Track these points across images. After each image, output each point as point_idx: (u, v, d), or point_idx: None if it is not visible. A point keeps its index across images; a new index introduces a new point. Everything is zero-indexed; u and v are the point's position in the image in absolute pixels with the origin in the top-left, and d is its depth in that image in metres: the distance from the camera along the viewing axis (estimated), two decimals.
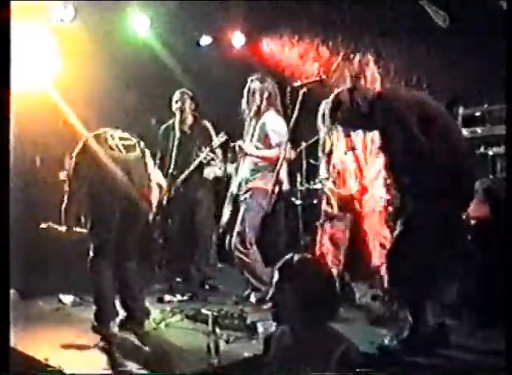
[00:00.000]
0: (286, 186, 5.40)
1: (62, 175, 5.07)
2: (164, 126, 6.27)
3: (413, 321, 3.77)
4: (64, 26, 5.87)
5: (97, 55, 5.99)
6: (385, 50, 5.92)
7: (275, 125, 5.26)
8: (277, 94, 5.36)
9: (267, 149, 5.27)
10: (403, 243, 3.76)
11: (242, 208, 5.31)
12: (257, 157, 5.31)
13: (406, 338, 3.76)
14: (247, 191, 5.34)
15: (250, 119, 5.44)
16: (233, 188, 5.53)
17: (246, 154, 5.33)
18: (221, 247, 6.04)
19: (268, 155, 5.25)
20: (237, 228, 5.28)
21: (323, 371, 2.30)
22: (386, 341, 3.82)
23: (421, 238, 3.62)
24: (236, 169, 5.55)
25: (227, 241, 5.45)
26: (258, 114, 5.36)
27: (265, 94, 5.31)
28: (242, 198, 5.38)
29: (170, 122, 6.21)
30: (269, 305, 2.53)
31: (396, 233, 3.86)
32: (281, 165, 4.85)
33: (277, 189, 5.02)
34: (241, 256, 5.26)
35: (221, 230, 5.62)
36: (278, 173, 4.86)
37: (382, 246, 4.66)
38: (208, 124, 6.17)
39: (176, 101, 6.10)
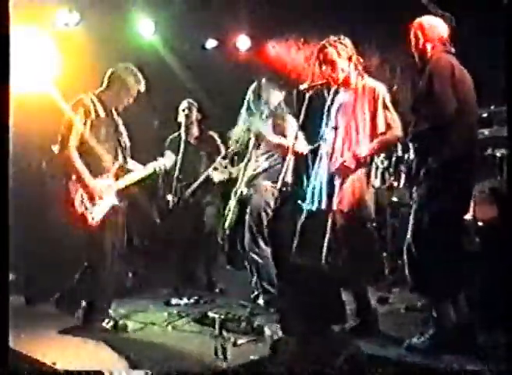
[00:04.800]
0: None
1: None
2: (170, 138, 6.26)
3: (437, 317, 3.73)
4: (69, 30, 5.91)
5: (102, 59, 6.00)
6: (391, 52, 5.92)
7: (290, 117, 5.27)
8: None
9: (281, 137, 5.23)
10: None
11: (249, 207, 5.29)
12: (273, 144, 5.26)
13: (433, 335, 3.73)
14: (252, 189, 5.33)
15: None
16: (238, 188, 5.46)
17: (264, 139, 5.27)
18: (229, 250, 6.02)
19: (283, 143, 5.13)
20: (247, 227, 5.27)
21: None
22: (415, 340, 3.78)
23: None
24: (240, 170, 5.51)
25: (238, 242, 5.44)
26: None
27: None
28: (247, 195, 5.35)
29: (175, 134, 6.21)
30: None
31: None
32: (292, 155, 4.59)
33: (283, 189, 4.96)
34: (253, 256, 5.24)
35: (228, 232, 5.55)
36: (287, 168, 4.70)
37: None
38: (215, 135, 6.16)
39: (183, 111, 6.09)
